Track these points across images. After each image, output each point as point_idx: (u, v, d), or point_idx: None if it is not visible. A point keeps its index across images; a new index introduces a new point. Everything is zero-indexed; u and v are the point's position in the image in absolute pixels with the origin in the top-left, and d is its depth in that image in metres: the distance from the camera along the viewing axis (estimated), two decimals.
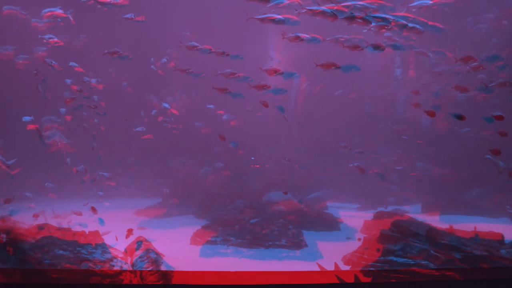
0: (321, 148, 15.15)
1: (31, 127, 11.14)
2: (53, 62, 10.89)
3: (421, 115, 15.07)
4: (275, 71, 8.89)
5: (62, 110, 12.60)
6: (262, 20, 8.50)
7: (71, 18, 11.34)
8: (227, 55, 9.19)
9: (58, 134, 12.66)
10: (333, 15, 7.97)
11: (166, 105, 14.56)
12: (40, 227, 7.78)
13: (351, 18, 8.05)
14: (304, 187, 13.08)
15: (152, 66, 14.80)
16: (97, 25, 15.96)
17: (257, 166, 14.01)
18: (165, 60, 14.11)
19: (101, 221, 10.23)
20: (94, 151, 12.05)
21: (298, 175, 13.99)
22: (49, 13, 11.20)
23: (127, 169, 15.89)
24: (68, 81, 11.82)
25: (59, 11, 11.13)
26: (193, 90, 16.80)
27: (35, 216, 10.49)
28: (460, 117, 8.29)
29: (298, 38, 8.62)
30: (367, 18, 8.09)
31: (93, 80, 12.52)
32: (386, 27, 8.40)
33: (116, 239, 8.77)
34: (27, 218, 9.86)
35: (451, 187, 13.13)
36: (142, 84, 16.44)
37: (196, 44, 9.32)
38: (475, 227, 8.10)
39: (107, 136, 13.95)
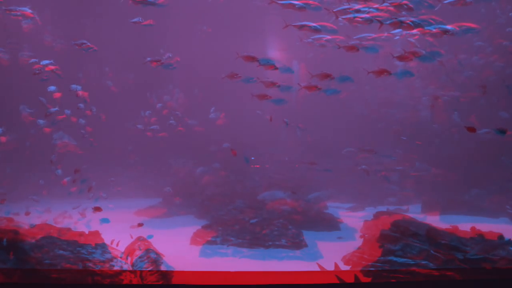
0: (321, 148, 15.13)
1: (2, 139, 10.98)
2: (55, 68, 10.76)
3: (420, 115, 15.08)
4: (327, 76, 8.73)
5: (40, 121, 12.14)
6: (300, 27, 8.44)
7: (38, 18, 11.03)
8: (276, 68, 8.93)
9: (66, 136, 12.48)
10: (378, 21, 7.90)
11: (179, 113, 14.37)
12: (31, 225, 7.82)
13: (398, 23, 7.99)
14: (304, 187, 13.08)
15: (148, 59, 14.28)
16: (95, 24, 15.96)
17: (257, 166, 14.02)
18: (170, 56, 13.79)
19: (105, 221, 10.28)
20: (79, 174, 11.62)
21: (298, 175, 13.98)
22: (17, 11, 10.80)
23: (126, 169, 15.87)
24: (52, 88, 11.42)
25: (27, 11, 10.61)
26: (195, 88, 16.72)
27: (27, 214, 10.49)
28: (503, 132, 8.13)
29: (355, 48, 8.50)
30: (412, 23, 8.01)
31: (79, 88, 12.03)
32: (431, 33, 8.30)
33: (111, 243, 8.74)
34: (32, 219, 9.90)
35: (451, 187, 13.13)
36: (142, 83, 16.40)
37: (252, 55, 8.85)
38: (471, 227, 8.12)
39: (104, 136, 13.93)
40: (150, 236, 9.60)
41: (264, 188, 12.69)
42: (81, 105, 11.85)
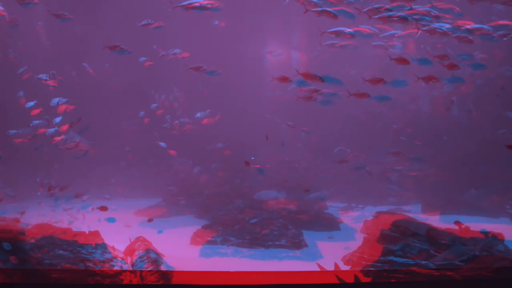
0: (321, 148, 15.12)
1: None
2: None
3: (420, 114, 15.07)
4: (380, 80, 8.63)
5: (12, 131, 11.20)
6: (336, 33, 8.36)
7: (8, 17, 10.70)
8: (322, 80, 8.82)
9: (78, 136, 12.10)
10: (415, 20, 7.86)
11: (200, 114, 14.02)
12: (26, 225, 7.84)
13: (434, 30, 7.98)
14: (304, 187, 13.07)
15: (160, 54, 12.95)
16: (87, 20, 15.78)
17: (257, 166, 14.02)
18: (179, 51, 13.09)
19: (112, 220, 10.40)
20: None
21: (298, 175, 13.98)
22: None
23: (125, 169, 15.82)
24: (31, 103, 10.82)
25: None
26: (200, 83, 16.58)
27: (22, 214, 10.43)
28: None
29: (406, 61, 8.44)
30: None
31: (63, 100, 11.08)
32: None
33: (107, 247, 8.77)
34: (31, 219, 9.87)
35: (451, 187, 13.12)
36: (144, 81, 16.27)
37: (315, 74, 8.50)
38: (455, 221, 8.13)
39: (101, 135, 13.86)
40: (160, 231, 10.07)
41: (264, 188, 12.69)
42: (59, 118, 11.06)
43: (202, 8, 8.57)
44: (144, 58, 12.55)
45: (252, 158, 14.03)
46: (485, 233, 7.28)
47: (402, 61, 8.45)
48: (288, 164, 14.35)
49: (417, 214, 12.01)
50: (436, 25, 8.16)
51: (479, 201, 12.58)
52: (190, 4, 8.61)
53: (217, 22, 15.30)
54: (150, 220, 10.95)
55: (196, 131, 15.18)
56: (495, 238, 7.11)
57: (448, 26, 8.29)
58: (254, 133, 14.76)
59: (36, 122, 10.80)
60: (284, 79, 8.93)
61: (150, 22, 9.97)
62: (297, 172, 14.18)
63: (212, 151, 14.55)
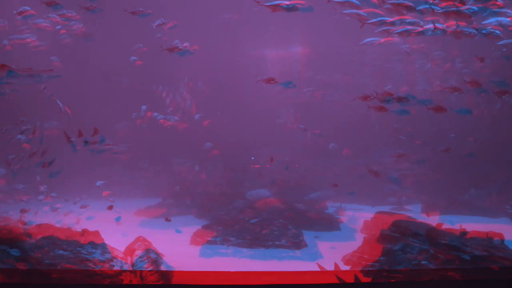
0: (321, 148, 15.12)
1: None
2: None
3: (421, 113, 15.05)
4: (457, 89, 8.58)
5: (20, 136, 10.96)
6: (401, 34, 8.23)
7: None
8: (408, 100, 8.70)
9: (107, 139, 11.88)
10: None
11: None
12: (25, 227, 7.84)
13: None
14: (304, 187, 13.07)
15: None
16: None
17: (257, 166, 14.01)
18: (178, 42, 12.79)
19: (118, 219, 10.67)
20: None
21: (298, 175, 13.99)
22: None
23: (125, 169, 15.80)
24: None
25: None
26: (200, 81, 16.55)
27: (23, 215, 10.40)
28: None
29: (478, 84, 8.42)
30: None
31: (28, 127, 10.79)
32: None
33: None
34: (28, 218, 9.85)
35: (451, 187, 13.13)
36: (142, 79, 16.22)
37: (402, 95, 8.57)
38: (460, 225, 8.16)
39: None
40: (179, 231, 10.27)
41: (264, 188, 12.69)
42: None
43: (291, 9, 7.89)
44: (134, 58, 12.48)
45: (252, 158, 14.04)
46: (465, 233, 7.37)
47: (475, 84, 8.45)
48: (288, 164, 14.36)
49: (417, 214, 12.01)
50: (492, 20, 8.00)
51: (479, 201, 12.59)
52: (279, 4, 7.93)
53: (229, 15, 15.21)
54: (168, 220, 11.14)
55: (195, 131, 15.19)
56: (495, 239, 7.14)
57: (508, 20, 8.08)
58: (254, 133, 14.79)
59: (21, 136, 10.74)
60: (366, 98, 9.05)
61: (163, 21, 9.85)
62: (297, 172, 14.19)
63: (207, 151, 14.54)
